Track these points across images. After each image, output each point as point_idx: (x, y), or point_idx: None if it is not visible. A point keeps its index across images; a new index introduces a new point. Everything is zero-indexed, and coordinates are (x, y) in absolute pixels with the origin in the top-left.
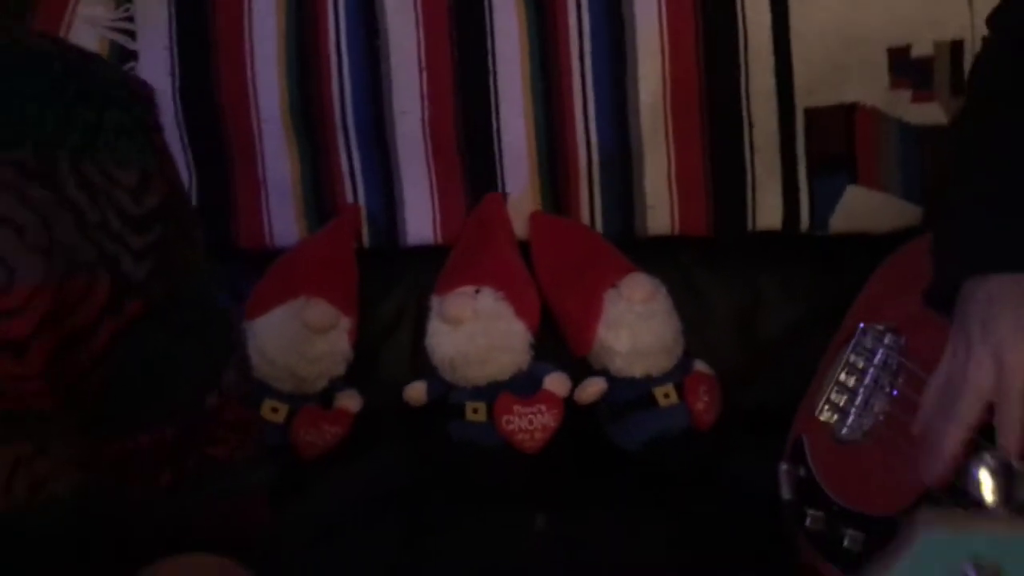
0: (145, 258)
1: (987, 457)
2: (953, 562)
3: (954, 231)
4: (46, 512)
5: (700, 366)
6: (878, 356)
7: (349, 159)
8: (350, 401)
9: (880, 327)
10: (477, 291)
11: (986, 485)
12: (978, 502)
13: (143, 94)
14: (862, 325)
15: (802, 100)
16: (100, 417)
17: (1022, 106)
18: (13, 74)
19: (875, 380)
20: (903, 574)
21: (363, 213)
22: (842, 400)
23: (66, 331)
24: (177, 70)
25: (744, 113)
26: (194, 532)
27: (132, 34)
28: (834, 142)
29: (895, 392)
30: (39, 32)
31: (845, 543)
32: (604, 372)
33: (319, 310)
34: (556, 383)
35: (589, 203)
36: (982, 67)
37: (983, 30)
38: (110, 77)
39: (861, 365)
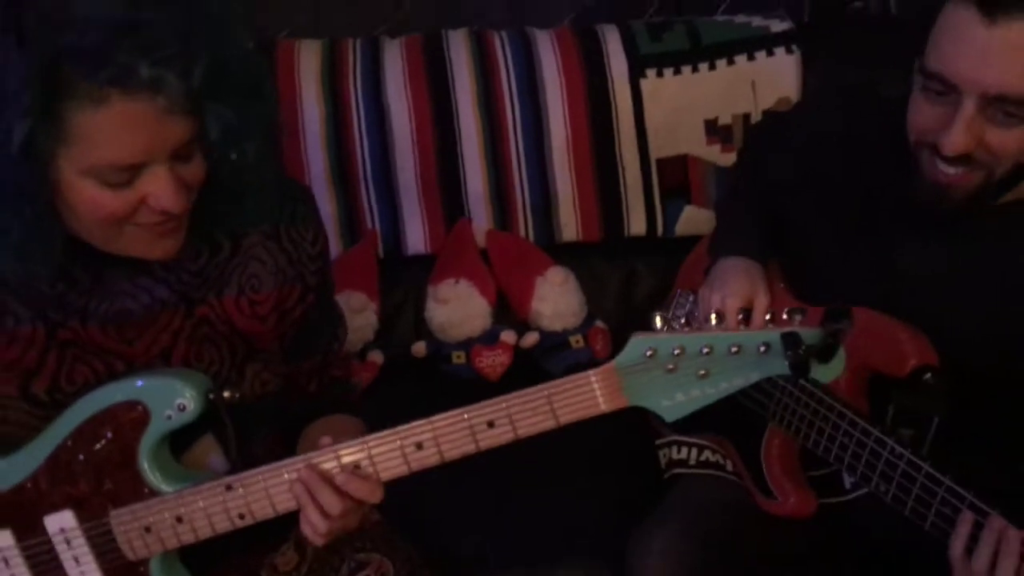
0: (315, 274)
1: None
2: (638, 350)
3: (713, 237)
4: (266, 398)
5: (598, 323)
6: (686, 308)
7: (369, 200)
8: (377, 356)
9: (688, 291)
10: (456, 281)
11: None
12: None
13: (311, 195)
14: (678, 291)
15: (654, 153)
16: (291, 352)
17: (744, 188)
18: (268, 193)
19: (685, 320)
20: (626, 357)
21: (379, 235)
22: None
23: (283, 310)
24: None
25: (619, 162)
26: (329, 410)
27: None
28: (675, 179)
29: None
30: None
31: None
32: (538, 328)
33: (357, 298)
34: (508, 336)
35: (524, 223)
36: (735, 167)
37: (764, 104)
38: (300, 188)
39: (679, 313)
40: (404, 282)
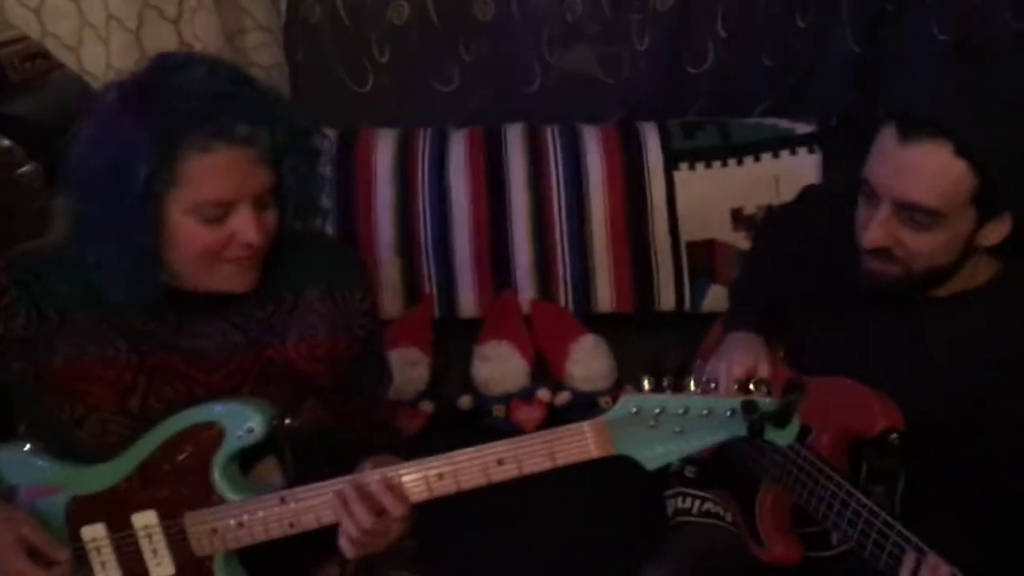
0: (363, 327)
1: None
2: (626, 407)
3: (727, 314)
4: (320, 430)
5: (627, 387)
6: (704, 374)
7: (428, 268)
8: (427, 406)
9: (705, 363)
10: (499, 342)
11: None
12: None
13: (361, 261)
14: (698, 362)
15: (684, 236)
16: (342, 390)
17: (752, 272)
18: (326, 258)
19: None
20: (616, 413)
21: (435, 299)
22: None
23: (335, 355)
24: (336, 224)
25: (652, 243)
26: (374, 451)
27: None
28: (703, 260)
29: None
30: (318, 233)
31: (687, 473)
32: (571, 389)
33: (412, 352)
34: (543, 394)
35: (564, 294)
36: (748, 251)
37: (786, 197)
38: (352, 255)
39: (701, 377)
40: (455, 341)
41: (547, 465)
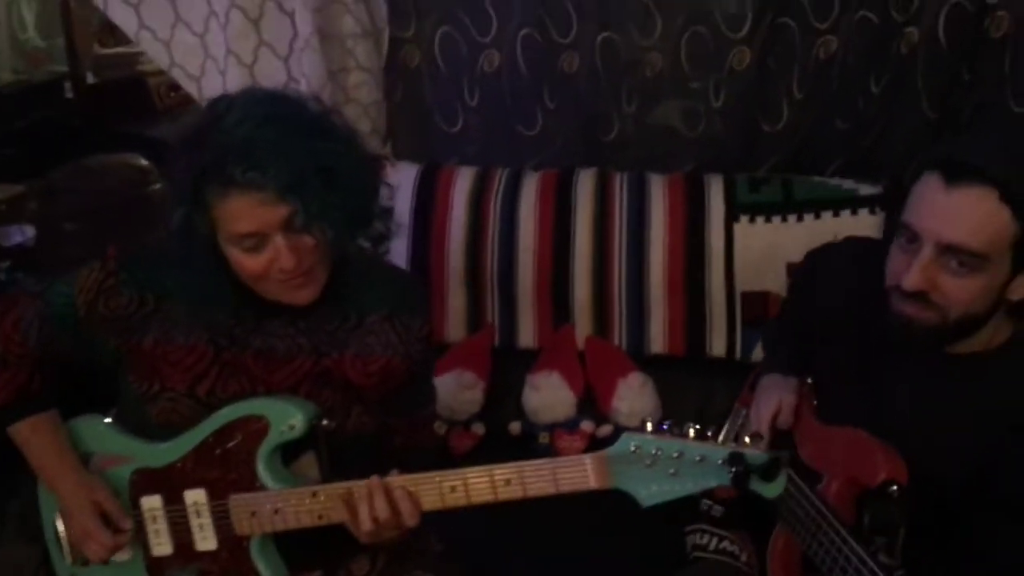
0: (419, 352)
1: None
2: (626, 445)
3: (763, 360)
4: (361, 435)
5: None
6: (738, 421)
7: (492, 299)
8: (479, 428)
9: (741, 407)
10: (551, 373)
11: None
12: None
13: (424, 290)
14: (736, 405)
15: (740, 286)
16: (386, 407)
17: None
18: (382, 279)
19: (740, 424)
20: (616, 449)
21: (496, 328)
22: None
23: (387, 374)
24: (411, 251)
25: (707, 292)
26: (410, 467)
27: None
28: (756, 311)
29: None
30: (391, 264)
31: (713, 512)
32: (615, 423)
33: (469, 376)
34: (587, 425)
35: (619, 332)
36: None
37: None
38: (416, 284)
39: (733, 426)
40: (511, 369)
41: (550, 490)
